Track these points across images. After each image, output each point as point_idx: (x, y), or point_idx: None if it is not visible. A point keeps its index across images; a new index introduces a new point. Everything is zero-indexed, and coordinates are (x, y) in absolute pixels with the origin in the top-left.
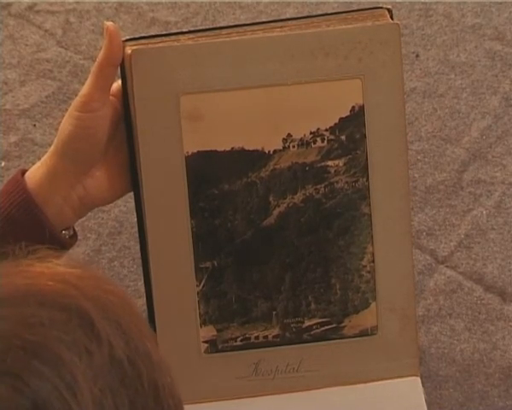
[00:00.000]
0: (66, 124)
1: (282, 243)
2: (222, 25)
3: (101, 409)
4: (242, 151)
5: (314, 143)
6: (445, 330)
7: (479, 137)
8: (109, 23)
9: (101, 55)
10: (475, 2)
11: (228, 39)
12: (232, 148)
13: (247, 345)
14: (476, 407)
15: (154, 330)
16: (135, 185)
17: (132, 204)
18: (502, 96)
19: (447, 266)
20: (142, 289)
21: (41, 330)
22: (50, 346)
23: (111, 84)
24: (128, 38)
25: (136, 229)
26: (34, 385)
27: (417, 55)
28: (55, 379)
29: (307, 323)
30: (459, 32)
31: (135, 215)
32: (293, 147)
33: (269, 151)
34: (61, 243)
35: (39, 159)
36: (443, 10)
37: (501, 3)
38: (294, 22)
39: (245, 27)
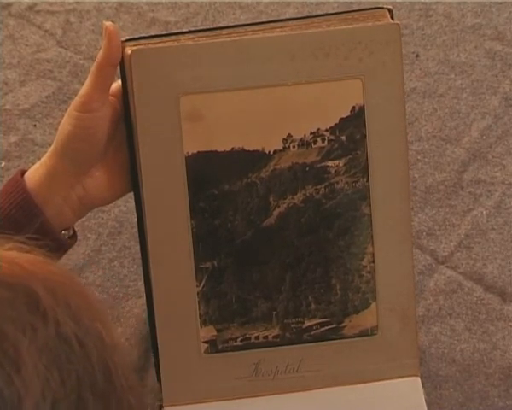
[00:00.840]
0: (65, 124)
1: (282, 243)
2: (222, 25)
3: (46, 384)
4: (242, 151)
5: (314, 144)
6: (445, 330)
7: (479, 137)
8: (108, 23)
9: (100, 55)
10: (475, 2)
11: (228, 39)
12: (232, 148)
13: (247, 345)
14: (476, 407)
15: (154, 330)
16: (135, 185)
17: (132, 204)
18: (502, 96)
19: (447, 266)
20: (142, 289)
21: None
22: None
23: (110, 85)
24: (128, 38)
25: (136, 229)
26: None
27: (417, 55)
28: None
29: (307, 323)
30: (459, 32)
31: (135, 215)
32: (294, 147)
33: (269, 151)
34: (60, 243)
35: (39, 159)
36: (443, 10)
37: (501, 3)
38: (295, 22)
39: (245, 27)
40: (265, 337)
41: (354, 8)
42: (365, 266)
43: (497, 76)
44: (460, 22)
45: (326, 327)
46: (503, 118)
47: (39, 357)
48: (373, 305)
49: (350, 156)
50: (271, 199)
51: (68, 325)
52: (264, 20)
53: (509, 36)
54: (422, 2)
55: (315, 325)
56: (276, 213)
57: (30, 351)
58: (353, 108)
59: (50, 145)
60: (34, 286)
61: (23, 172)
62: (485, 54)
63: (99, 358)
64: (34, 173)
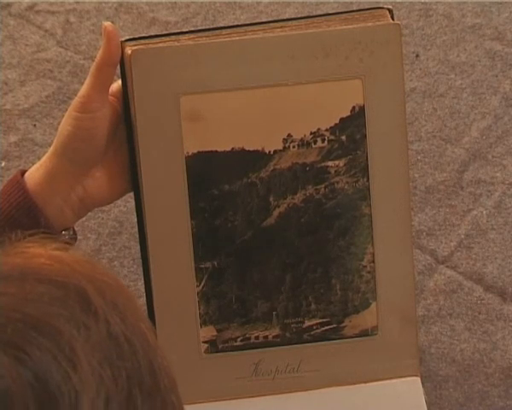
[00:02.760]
0: (65, 125)
1: (282, 243)
2: (222, 25)
3: (100, 381)
4: (242, 151)
5: (314, 144)
6: (445, 330)
7: (479, 137)
8: (107, 23)
9: (99, 55)
10: (475, 2)
11: (228, 39)
12: (232, 148)
13: (247, 345)
14: (476, 407)
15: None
16: (135, 185)
17: (132, 204)
18: (502, 96)
19: (447, 266)
20: (142, 289)
21: (40, 305)
22: (49, 320)
23: (110, 85)
24: (128, 38)
25: (136, 229)
26: (35, 356)
27: (417, 55)
28: (54, 350)
29: (307, 323)
30: (459, 32)
31: (135, 215)
32: (294, 147)
33: (269, 151)
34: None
35: (39, 159)
36: (443, 10)
37: (501, 3)
38: (295, 22)
39: (245, 27)
40: (265, 337)
41: (354, 8)
42: (365, 266)
43: (497, 76)
44: (460, 22)
45: (326, 327)
46: (503, 118)
47: (93, 355)
48: (373, 305)
49: (350, 156)
50: (271, 199)
51: (117, 324)
52: (264, 20)
53: (509, 36)
54: (422, 2)
55: (315, 324)
56: (276, 213)
57: (84, 349)
58: (353, 108)
59: (50, 145)
60: (83, 284)
61: (23, 173)
62: (485, 54)
63: (144, 357)
64: (34, 174)
